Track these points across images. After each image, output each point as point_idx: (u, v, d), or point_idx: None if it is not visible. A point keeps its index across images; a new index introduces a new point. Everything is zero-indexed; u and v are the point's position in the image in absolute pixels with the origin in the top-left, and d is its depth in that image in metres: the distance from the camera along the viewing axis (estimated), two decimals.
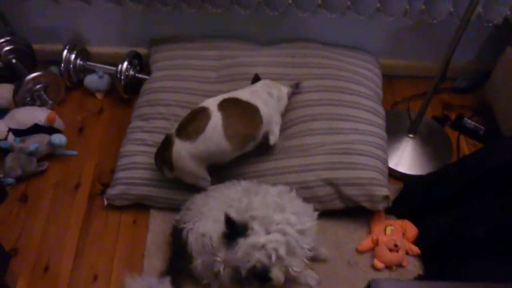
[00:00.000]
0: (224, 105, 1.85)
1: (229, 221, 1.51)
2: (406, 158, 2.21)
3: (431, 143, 2.27)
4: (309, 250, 1.61)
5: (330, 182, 1.93)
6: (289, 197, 1.71)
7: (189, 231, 1.71)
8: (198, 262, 1.70)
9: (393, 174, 2.18)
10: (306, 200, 1.93)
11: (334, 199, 1.95)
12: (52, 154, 2.18)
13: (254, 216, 1.53)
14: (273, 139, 1.99)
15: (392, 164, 2.18)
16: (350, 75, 2.27)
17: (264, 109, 1.91)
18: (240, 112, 1.86)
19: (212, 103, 1.85)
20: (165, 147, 1.82)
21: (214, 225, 1.66)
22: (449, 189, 1.97)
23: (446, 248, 1.87)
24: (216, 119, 1.81)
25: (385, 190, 1.91)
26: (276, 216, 1.55)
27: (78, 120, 2.35)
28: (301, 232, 1.57)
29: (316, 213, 1.71)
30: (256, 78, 2.09)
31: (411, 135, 2.27)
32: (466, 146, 2.34)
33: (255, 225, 1.52)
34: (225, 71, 2.26)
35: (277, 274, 1.53)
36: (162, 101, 2.16)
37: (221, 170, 1.96)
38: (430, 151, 2.24)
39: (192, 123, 1.81)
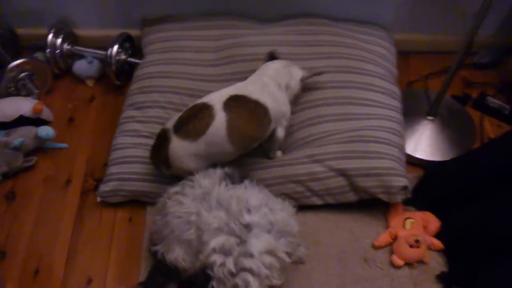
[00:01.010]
0: (231, 105, 1.63)
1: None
2: (424, 143, 2.03)
3: (452, 125, 2.09)
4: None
5: (342, 173, 1.76)
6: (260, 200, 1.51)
7: (164, 253, 1.56)
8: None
9: (411, 161, 1.99)
10: (314, 193, 1.78)
11: (347, 191, 1.78)
12: (41, 148, 2.01)
13: (215, 249, 1.36)
14: (280, 133, 1.79)
15: (409, 150, 2.00)
16: (362, 53, 2.08)
17: (274, 108, 1.70)
18: (247, 114, 1.65)
19: (217, 101, 1.64)
20: (161, 143, 1.64)
21: (180, 249, 1.51)
22: (475, 177, 1.80)
23: (472, 243, 1.70)
24: (220, 120, 1.61)
25: (403, 180, 1.73)
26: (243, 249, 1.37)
27: (69, 109, 2.17)
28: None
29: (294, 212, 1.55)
30: (271, 57, 1.86)
31: (430, 117, 2.08)
32: (491, 128, 2.15)
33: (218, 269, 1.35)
34: (225, 53, 2.06)
35: None
36: (156, 87, 1.98)
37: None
38: (451, 134, 2.05)
39: (193, 121, 1.61)
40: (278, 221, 1.42)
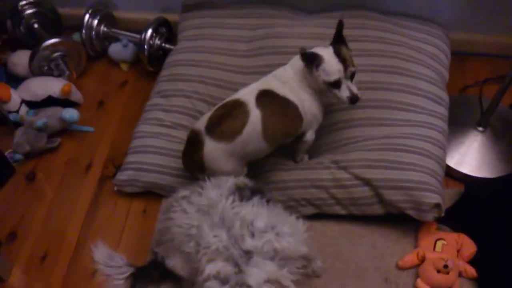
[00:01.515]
0: (263, 100, 1.52)
1: None
2: (472, 156, 1.82)
3: (505, 139, 1.86)
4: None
5: (368, 183, 1.60)
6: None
7: (163, 257, 1.47)
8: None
9: (454, 175, 1.81)
10: (338, 201, 1.64)
11: (373, 203, 1.63)
12: (66, 130, 1.99)
13: (211, 276, 1.26)
14: (310, 135, 1.66)
15: (453, 162, 1.81)
16: (410, 53, 1.89)
17: (303, 107, 1.57)
18: (280, 110, 1.54)
19: (249, 97, 1.53)
20: (193, 147, 1.55)
21: (179, 258, 1.41)
22: None
23: (510, 276, 1.50)
24: (255, 118, 1.50)
25: (436, 197, 1.56)
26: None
27: (101, 92, 2.14)
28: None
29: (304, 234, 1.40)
30: (336, 36, 1.58)
31: (480, 128, 1.86)
32: None
33: None
34: (258, 43, 1.94)
35: None
36: (183, 76, 1.90)
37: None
38: (503, 149, 1.83)
39: (227, 120, 1.51)
40: (284, 248, 1.30)
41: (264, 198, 1.44)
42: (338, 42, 1.56)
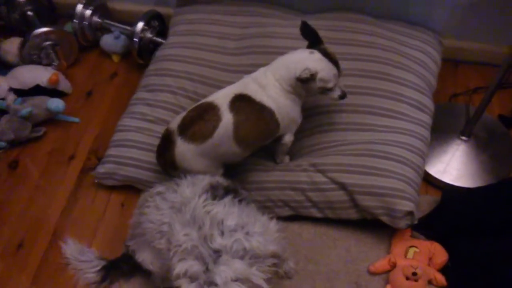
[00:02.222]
0: (237, 105, 1.52)
1: None
2: (453, 166, 1.81)
3: (489, 149, 1.85)
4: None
5: (344, 187, 1.60)
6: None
7: (134, 251, 1.49)
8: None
9: (436, 184, 1.80)
10: (314, 204, 1.64)
11: (348, 207, 1.62)
12: (52, 119, 2.00)
13: (181, 274, 1.26)
14: (287, 138, 1.65)
15: (435, 171, 1.80)
16: (399, 59, 1.88)
17: (279, 112, 1.56)
18: (254, 115, 1.53)
19: (222, 100, 1.52)
20: (166, 146, 1.55)
21: (150, 253, 1.43)
22: (499, 212, 1.59)
23: (481, 285, 1.50)
24: (227, 122, 1.50)
25: (409, 205, 1.55)
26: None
27: (90, 83, 2.15)
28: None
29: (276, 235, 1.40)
30: (313, 38, 1.59)
31: (464, 137, 1.85)
32: None
33: None
34: (246, 42, 1.94)
35: None
36: (170, 71, 1.90)
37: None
38: (486, 160, 1.82)
39: (199, 123, 1.50)
40: (253, 247, 1.30)
41: (237, 197, 1.44)
42: (318, 43, 1.55)
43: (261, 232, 1.35)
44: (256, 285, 1.28)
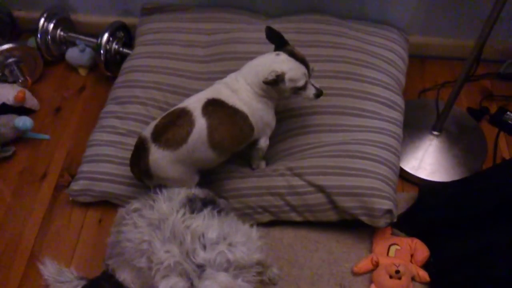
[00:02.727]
0: (210, 110, 1.50)
1: None
2: (427, 161, 1.84)
3: (460, 142, 1.88)
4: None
5: (321, 190, 1.60)
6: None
7: (114, 270, 1.46)
8: None
9: (411, 179, 1.82)
10: (293, 208, 1.64)
11: (327, 209, 1.63)
12: (21, 138, 1.96)
13: None
14: (263, 142, 1.65)
15: (409, 167, 1.82)
16: (366, 58, 1.89)
17: (253, 116, 1.55)
18: (227, 119, 1.52)
19: (195, 105, 1.50)
20: (140, 154, 1.52)
21: (130, 273, 1.40)
22: (475, 205, 1.61)
23: (462, 279, 1.52)
24: (200, 127, 1.48)
25: (388, 204, 1.56)
26: None
27: (58, 98, 2.10)
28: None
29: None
30: (279, 41, 1.59)
31: (435, 132, 1.88)
32: (507, 147, 1.93)
33: None
34: (215, 49, 1.92)
35: None
36: (139, 82, 1.87)
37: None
38: (458, 154, 1.85)
39: (172, 129, 1.48)
40: (237, 258, 1.29)
41: (215, 208, 1.43)
42: (284, 44, 1.56)
43: (244, 241, 1.34)
44: None
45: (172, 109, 1.55)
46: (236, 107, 1.52)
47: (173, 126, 1.49)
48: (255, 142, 1.64)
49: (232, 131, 1.53)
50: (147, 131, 1.52)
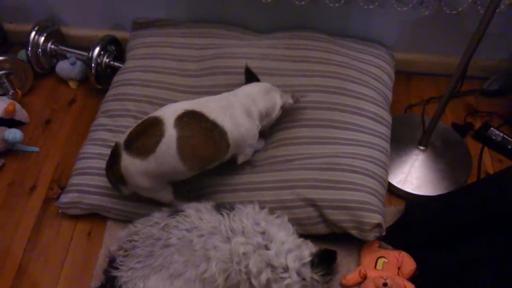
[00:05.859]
0: (184, 121, 1.50)
1: None
2: (413, 175, 1.87)
3: (445, 157, 1.92)
4: None
5: (312, 203, 1.62)
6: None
7: (122, 285, 1.41)
8: None
9: (399, 194, 1.85)
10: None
11: (317, 223, 1.64)
12: (11, 150, 1.95)
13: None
14: (242, 159, 1.68)
15: (396, 181, 1.85)
16: (355, 74, 1.93)
17: (233, 133, 1.56)
18: (202, 133, 1.51)
19: (169, 115, 1.50)
20: (114, 160, 1.53)
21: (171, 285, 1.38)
22: (460, 219, 1.64)
23: None
24: (170, 138, 1.47)
25: (377, 218, 1.58)
26: None
27: (48, 111, 2.10)
28: None
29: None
30: (249, 76, 1.74)
31: (421, 147, 1.92)
32: (491, 162, 1.97)
33: None
34: (206, 63, 1.95)
35: None
36: (130, 95, 1.89)
37: (186, 181, 1.67)
38: (443, 168, 1.88)
39: (142, 137, 1.49)
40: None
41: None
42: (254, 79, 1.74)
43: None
44: None
45: (147, 116, 1.56)
46: (217, 122, 1.53)
47: (144, 135, 1.50)
48: (234, 160, 1.67)
49: (205, 145, 1.53)
50: (122, 138, 1.54)
